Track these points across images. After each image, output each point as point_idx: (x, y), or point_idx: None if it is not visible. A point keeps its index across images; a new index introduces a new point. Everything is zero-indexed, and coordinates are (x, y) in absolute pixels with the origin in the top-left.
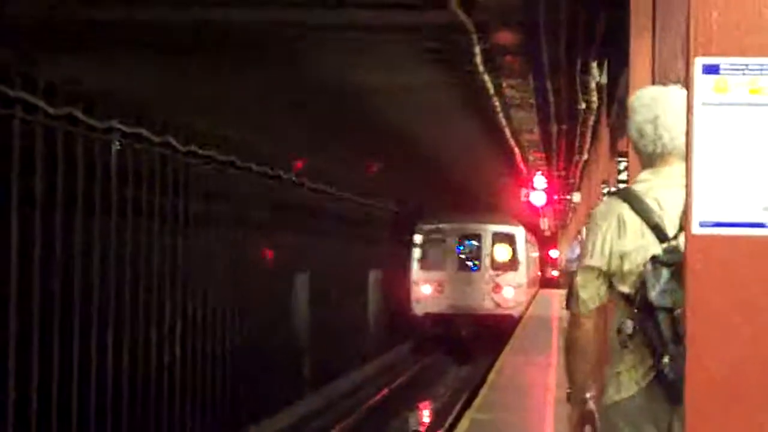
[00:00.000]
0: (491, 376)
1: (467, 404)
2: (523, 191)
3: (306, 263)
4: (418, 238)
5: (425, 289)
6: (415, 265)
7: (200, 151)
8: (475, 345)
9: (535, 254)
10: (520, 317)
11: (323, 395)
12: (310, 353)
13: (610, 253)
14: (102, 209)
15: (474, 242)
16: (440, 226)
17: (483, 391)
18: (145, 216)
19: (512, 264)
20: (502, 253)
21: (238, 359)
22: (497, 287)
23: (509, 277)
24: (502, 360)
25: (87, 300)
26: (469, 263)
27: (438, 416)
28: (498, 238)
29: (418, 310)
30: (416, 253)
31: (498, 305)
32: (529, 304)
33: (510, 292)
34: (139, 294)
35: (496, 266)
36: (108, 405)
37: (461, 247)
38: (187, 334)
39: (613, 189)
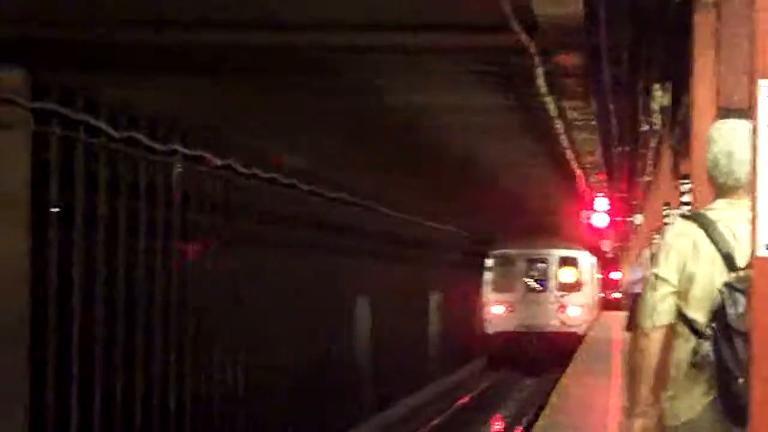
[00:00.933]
0: (553, 399)
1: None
2: (585, 213)
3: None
4: (489, 262)
5: (496, 309)
6: (486, 288)
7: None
8: (541, 362)
9: (598, 276)
10: (584, 335)
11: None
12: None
13: (682, 273)
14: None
15: (541, 265)
16: (510, 251)
17: (546, 412)
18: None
19: (576, 285)
20: (567, 275)
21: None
22: (563, 307)
23: (574, 297)
24: (563, 382)
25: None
26: (537, 285)
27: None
28: (563, 261)
29: (490, 329)
30: (488, 275)
31: (563, 323)
32: (593, 322)
33: (575, 311)
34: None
35: (561, 287)
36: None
37: (529, 270)
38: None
39: (686, 212)
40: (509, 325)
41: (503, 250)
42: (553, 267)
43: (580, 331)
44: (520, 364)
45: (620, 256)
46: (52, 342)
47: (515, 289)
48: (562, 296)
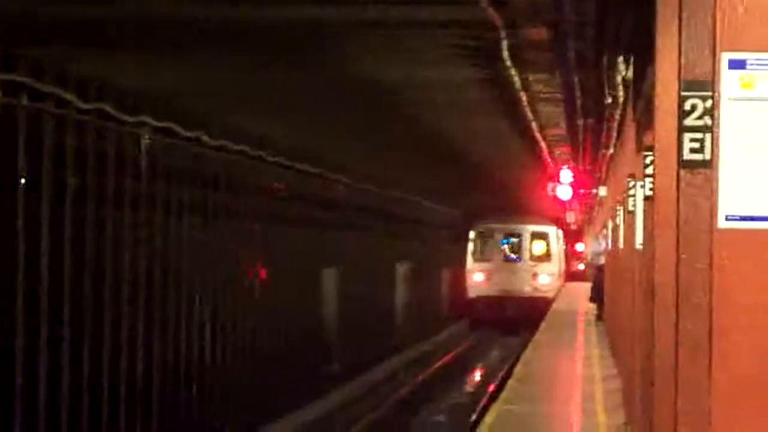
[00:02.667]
0: (518, 369)
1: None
2: (550, 185)
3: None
4: (471, 235)
5: (477, 277)
6: (469, 258)
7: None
8: (516, 322)
9: (563, 248)
10: (553, 299)
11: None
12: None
13: None
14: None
15: (516, 239)
16: (489, 225)
17: (510, 383)
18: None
19: (546, 256)
20: (538, 247)
21: None
22: (535, 275)
23: (544, 267)
24: (528, 353)
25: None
26: (513, 255)
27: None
28: (535, 235)
29: (472, 293)
30: (470, 247)
31: (535, 289)
32: (560, 289)
33: (545, 279)
34: None
35: (533, 258)
36: None
37: (506, 243)
38: None
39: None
40: (489, 290)
41: (484, 225)
42: (527, 240)
43: (549, 295)
44: (497, 325)
45: (585, 228)
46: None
47: (494, 259)
48: (534, 266)
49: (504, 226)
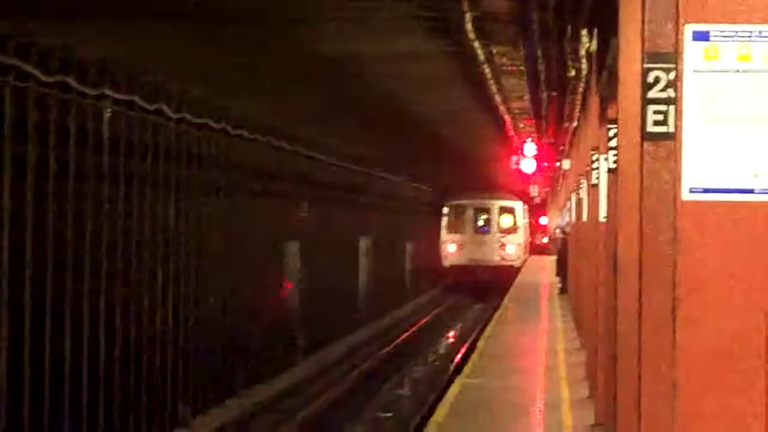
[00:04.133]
0: (481, 343)
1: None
2: (514, 158)
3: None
4: (445, 210)
5: (451, 248)
6: (443, 230)
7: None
8: (486, 288)
9: (527, 221)
10: (520, 267)
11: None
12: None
13: None
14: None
15: (485, 213)
16: (461, 201)
17: (474, 357)
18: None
19: (513, 229)
20: (506, 221)
21: None
22: (503, 245)
23: (511, 237)
24: (493, 325)
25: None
26: (483, 228)
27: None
28: (503, 210)
29: (446, 263)
30: (444, 221)
31: (503, 258)
32: (525, 259)
33: (512, 249)
34: None
35: (501, 230)
36: None
37: (476, 216)
38: None
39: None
40: (461, 260)
41: (456, 201)
42: (495, 214)
43: (516, 264)
44: (469, 290)
45: (549, 201)
46: None
47: (466, 231)
48: (502, 237)
49: (474, 201)
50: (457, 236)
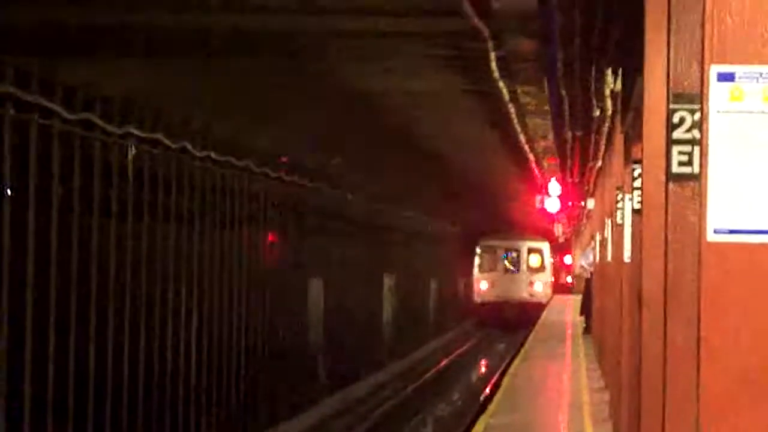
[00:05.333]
0: (506, 380)
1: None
2: (538, 198)
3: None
4: (478, 250)
5: (483, 285)
6: (475, 269)
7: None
8: (515, 322)
9: (551, 260)
10: (547, 303)
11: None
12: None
13: None
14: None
15: (515, 253)
16: (493, 242)
17: (498, 396)
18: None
19: (541, 268)
20: (534, 260)
21: None
22: (531, 283)
23: (538, 276)
24: (516, 364)
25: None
26: (512, 267)
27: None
28: (531, 250)
29: (478, 299)
30: (476, 260)
31: (531, 295)
32: (551, 296)
33: (539, 287)
34: None
35: (529, 269)
36: None
37: (507, 256)
38: None
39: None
40: (493, 296)
41: (488, 242)
42: (524, 254)
43: (543, 300)
44: (500, 325)
45: (573, 240)
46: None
47: (497, 269)
48: (530, 275)
49: (505, 243)
50: (488, 275)
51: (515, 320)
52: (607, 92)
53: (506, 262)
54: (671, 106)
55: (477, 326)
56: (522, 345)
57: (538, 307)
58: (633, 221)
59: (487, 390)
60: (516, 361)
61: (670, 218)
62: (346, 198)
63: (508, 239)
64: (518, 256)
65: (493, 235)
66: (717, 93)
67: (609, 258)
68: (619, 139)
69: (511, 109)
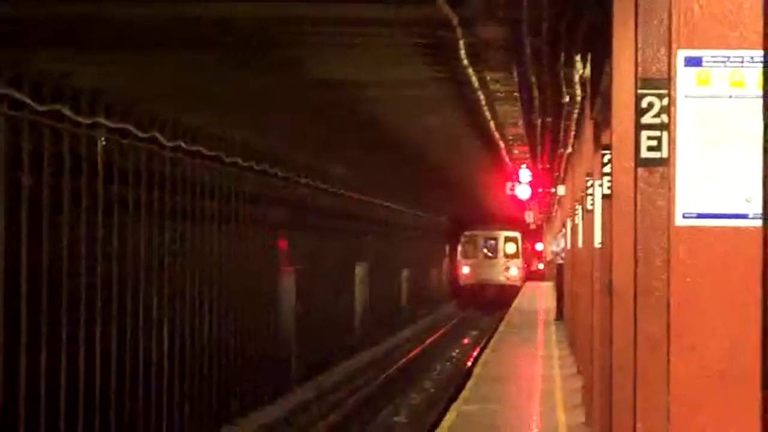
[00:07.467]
0: (477, 370)
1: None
2: (508, 185)
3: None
4: (462, 239)
5: (466, 270)
6: (459, 256)
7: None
8: (493, 303)
9: (523, 248)
10: (521, 286)
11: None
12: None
13: None
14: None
15: (493, 242)
16: (474, 232)
17: (469, 384)
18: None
19: (515, 255)
20: (510, 248)
21: None
22: (507, 268)
23: (514, 262)
24: (488, 352)
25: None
26: (491, 254)
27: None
28: (507, 239)
29: (462, 282)
30: (460, 248)
31: (507, 279)
32: (524, 279)
33: (515, 271)
34: None
35: (506, 256)
36: None
37: (486, 245)
38: None
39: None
40: (474, 279)
41: (470, 232)
42: (501, 242)
43: (518, 283)
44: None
45: (544, 227)
46: None
47: (477, 256)
48: (506, 261)
49: (484, 233)
50: (470, 261)
51: (493, 299)
52: (577, 78)
53: (485, 249)
54: (639, 91)
55: (452, 312)
56: (495, 331)
57: (513, 289)
58: (603, 207)
59: (460, 377)
60: (488, 350)
61: (639, 203)
62: (317, 187)
63: (487, 230)
64: (496, 245)
65: (475, 227)
66: (684, 77)
67: (580, 244)
68: (588, 125)
69: (481, 96)
